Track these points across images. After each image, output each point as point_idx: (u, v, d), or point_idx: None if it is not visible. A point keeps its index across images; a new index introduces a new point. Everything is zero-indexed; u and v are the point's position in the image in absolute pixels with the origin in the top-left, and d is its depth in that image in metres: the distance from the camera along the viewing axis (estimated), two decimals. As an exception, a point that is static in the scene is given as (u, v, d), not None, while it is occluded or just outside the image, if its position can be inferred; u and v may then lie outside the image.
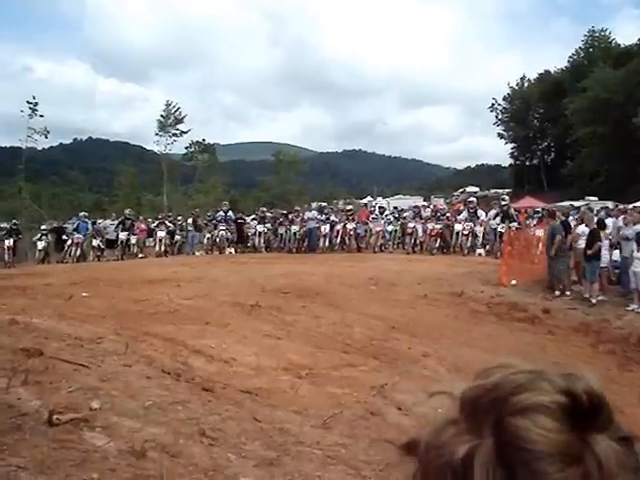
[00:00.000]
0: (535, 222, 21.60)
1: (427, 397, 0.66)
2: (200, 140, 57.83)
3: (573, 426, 0.55)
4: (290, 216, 24.81)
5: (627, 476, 0.55)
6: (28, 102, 35.25)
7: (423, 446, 0.60)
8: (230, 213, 25.35)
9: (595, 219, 15.08)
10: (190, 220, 25.65)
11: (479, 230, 21.10)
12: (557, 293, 13.81)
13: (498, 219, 20.71)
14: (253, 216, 25.79)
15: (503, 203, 21.46)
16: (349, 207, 27.35)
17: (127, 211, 25.84)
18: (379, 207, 28.08)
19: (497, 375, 0.59)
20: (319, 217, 24.23)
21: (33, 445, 3.89)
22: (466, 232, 21.08)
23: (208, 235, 24.77)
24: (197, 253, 24.31)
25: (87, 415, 4.51)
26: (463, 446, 0.56)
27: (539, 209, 25.69)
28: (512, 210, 21.37)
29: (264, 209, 26.99)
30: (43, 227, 24.80)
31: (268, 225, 24.78)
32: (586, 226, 14.23)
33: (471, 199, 24.21)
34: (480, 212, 21.99)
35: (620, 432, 0.58)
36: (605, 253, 13.99)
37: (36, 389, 4.94)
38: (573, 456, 0.54)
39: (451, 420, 0.59)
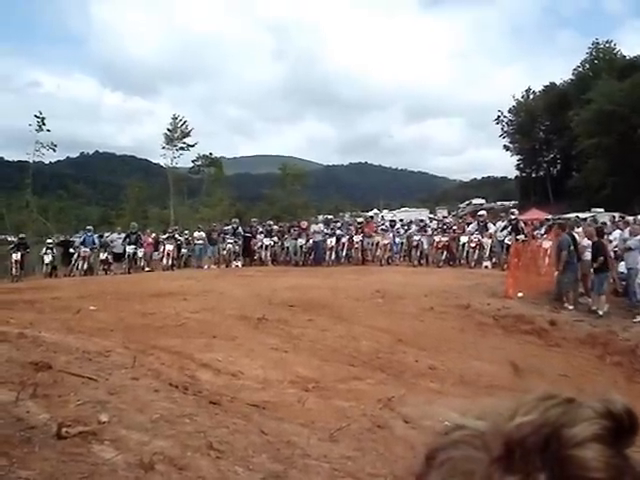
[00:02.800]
0: (543, 232, 21.56)
1: (445, 428, 0.65)
2: (207, 154, 58.06)
3: (619, 447, 0.59)
4: (296, 229, 24.86)
5: None
6: (36, 116, 35.54)
7: None
8: (239, 229, 25.40)
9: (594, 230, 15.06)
10: (198, 233, 25.70)
11: (486, 242, 21.07)
12: (566, 305, 13.78)
13: (506, 231, 20.69)
14: (260, 229, 25.84)
15: (512, 217, 21.45)
16: (359, 220, 27.40)
17: (133, 224, 25.93)
18: (390, 220, 28.16)
19: (539, 410, 0.60)
20: (325, 230, 24.28)
21: (42, 458, 3.90)
22: (473, 244, 21.07)
23: (224, 247, 24.81)
24: (208, 266, 24.39)
25: (95, 428, 4.52)
26: None
27: (549, 217, 25.72)
28: (521, 223, 21.35)
29: (271, 222, 27.05)
30: (49, 241, 24.88)
31: (275, 238, 24.82)
32: (589, 239, 14.23)
33: (481, 212, 24.19)
34: (489, 225, 21.97)
35: None
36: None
37: (45, 402, 4.96)
38: (622, 477, 0.57)
39: (492, 460, 0.58)
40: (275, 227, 25.98)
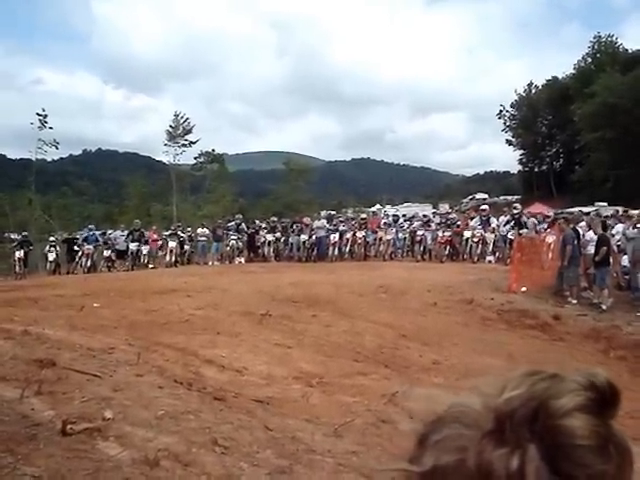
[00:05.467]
0: (546, 227, 21.54)
1: (441, 408, 0.67)
2: (209, 150, 57.94)
3: (603, 417, 0.62)
4: (299, 225, 24.88)
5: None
6: (38, 114, 35.44)
7: (461, 468, 0.60)
8: (243, 225, 25.43)
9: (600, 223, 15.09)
10: (202, 230, 25.74)
11: (489, 237, 21.06)
12: (570, 300, 13.78)
13: (509, 226, 20.67)
14: (264, 225, 25.86)
15: (515, 211, 21.42)
16: (363, 215, 27.40)
17: (136, 221, 25.96)
18: (393, 215, 28.17)
19: (526, 385, 0.63)
20: (328, 226, 24.29)
21: (47, 455, 3.91)
22: (476, 239, 21.05)
23: (227, 243, 24.85)
24: (212, 263, 24.42)
25: (100, 425, 4.53)
26: (514, 457, 0.58)
27: (550, 214, 25.69)
28: (524, 218, 21.30)
29: (274, 219, 27.08)
30: (52, 238, 24.92)
31: (278, 234, 24.85)
32: (594, 232, 14.22)
33: (484, 207, 24.17)
34: (492, 219, 21.96)
35: None
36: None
37: (49, 399, 4.97)
38: (607, 445, 0.61)
39: (483, 434, 0.61)
40: (278, 224, 26.01)
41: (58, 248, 24.27)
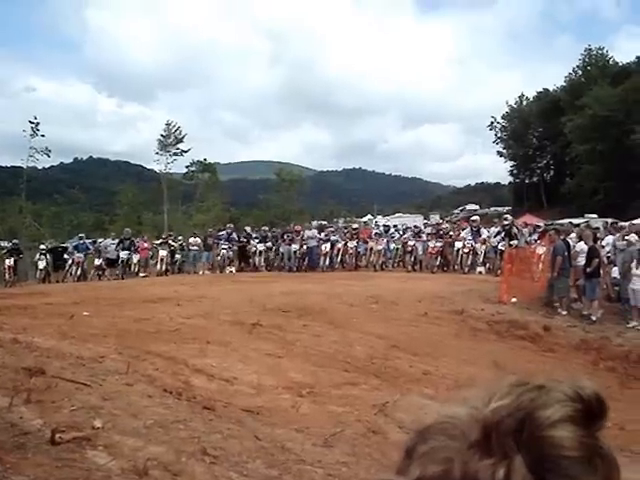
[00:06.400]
0: (536, 237, 21.64)
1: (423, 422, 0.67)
2: (201, 159, 58.00)
3: (590, 429, 0.62)
4: (290, 234, 24.90)
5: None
6: (30, 122, 35.46)
7: (449, 477, 0.60)
8: (234, 235, 25.42)
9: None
10: (194, 239, 25.72)
11: (480, 248, 21.12)
12: (560, 311, 13.83)
13: (499, 237, 20.74)
14: (255, 235, 25.85)
15: (505, 223, 21.50)
16: (355, 225, 27.44)
17: (126, 230, 25.90)
18: (384, 226, 28.23)
19: (512, 395, 0.63)
20: (319, 236, 24.33)
21: (36, 464, 3.89)
22: (467, 250, 21.11)
23: (218, 252, 24.80)
24: (202, 272, 24.37)
25: (89, 434, 4.52)
26: (500, 468, 0.58)
27: (540, 224, 25.81)
28: (515, 229, 21.37)
29: (265, 228, 27.10)
30: (43, 246, 24.86)
31: (269, 244, 24.86)
32: (585, 243, 14.29)
33: (474, 218, 24.27)
34: (482, 230, 22.04)
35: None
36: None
37: (38, 408, 4.95)
38: (594, 457, 0.61)
39: (469, 445, 0.61)
40: (269, 233, 26.03)
41: (48, 256, 24.20)
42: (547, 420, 0.60)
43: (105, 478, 3.88)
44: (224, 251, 24.51)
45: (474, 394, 0.67)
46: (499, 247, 20.15)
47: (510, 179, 78.52)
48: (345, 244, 23.66)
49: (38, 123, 35.76)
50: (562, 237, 15.19)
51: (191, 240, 25.88)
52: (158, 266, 24.03)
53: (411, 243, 23.04)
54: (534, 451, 0.59)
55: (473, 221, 23.18)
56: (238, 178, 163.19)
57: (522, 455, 0.58)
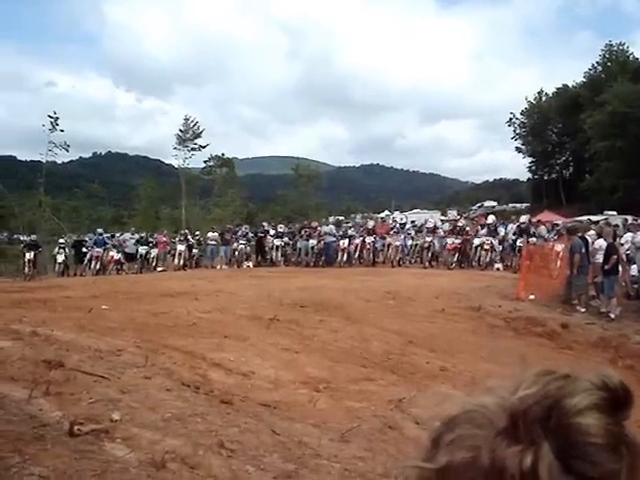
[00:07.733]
0: (554, 235, 21.51)
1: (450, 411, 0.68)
2: (219, 154, 58.15)
3: (616, 417, 0.63)
4: (307, 230, 24.93)
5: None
6: (49, 116, 35.61)
7: (475, 465, 0.61)
8: (249, 235, 25.52)
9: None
10: (212, 234, 25.83)
11: (497, 245, 21.06)
12: (578, 308, 13.72)
13: (516, 234, 20.68)
14: (273, 232, 25.89)
15: (522, 219, 21.41)
16: (371, 223, 27.47)
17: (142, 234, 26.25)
18: (400, 223, 28.18)
19: (539, 384, 0.65)
20: (335, 232, 24.34)
21: (55, 455, 3.92)
22: (487, 247, 21.04)
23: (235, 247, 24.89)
24: (220, 267, 24.46)
25: (108, 426, 4.54)
26: (527, 454, 0.59)
27: (559, 222, 25.63)
28: (532, 229, 21.25)
29: (282, 226, 27.14)
30: (62, 240, 25.06)
31: (286, 239, 24.89)
32: (604, 240, 14.17)
33: (490, 219, 24.23)
34: (500, 228, 21.98)
35: None
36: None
37: (57, 400, 4.99)
38: (619, 445, 0.61)
39: (497, 432, 0.62)
40: (286, 229, 26.07)
41: (67, 250, 24.39)
42: (574, 408, 0.61)
43: (123, 470, 3.90)
44: (242, 246, 24.58)
45: (499, 384, 0.68)
46: (517, 243, 20.08)
47: (529, 175, 77.94)
48: (363, 240, 23.65)
49: (57, 118, 35.88)
50: (579, 234, 15.05)
51: (209, 235, 25.98)
52: (176, 260, 24.18)
53: (428, 239, 22.98)
54: (561, 438, 0.60)
55: (489, 224, 23.18)
56: (255, 173, 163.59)
57: (549, 442, 0.59)
